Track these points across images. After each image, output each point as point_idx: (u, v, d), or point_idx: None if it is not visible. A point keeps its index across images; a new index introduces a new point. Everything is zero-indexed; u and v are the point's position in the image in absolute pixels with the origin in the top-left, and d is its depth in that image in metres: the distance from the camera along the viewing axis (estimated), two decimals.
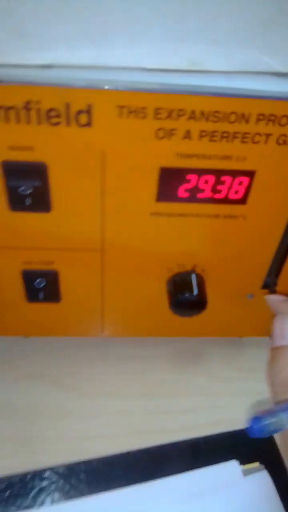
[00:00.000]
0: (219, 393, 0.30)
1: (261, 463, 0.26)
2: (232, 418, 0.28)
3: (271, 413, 0.21)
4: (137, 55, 0.18)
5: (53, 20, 0.18)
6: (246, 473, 0.25)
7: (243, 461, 0.26)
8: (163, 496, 0.24)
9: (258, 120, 0.20)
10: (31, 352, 0.31)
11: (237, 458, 0.26)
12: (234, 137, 0.20)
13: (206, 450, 0.26)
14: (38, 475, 0.24)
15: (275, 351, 0.24)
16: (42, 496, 0.23)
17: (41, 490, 0.24)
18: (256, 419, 0.20)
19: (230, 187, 0.22)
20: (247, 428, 0.20)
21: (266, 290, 0.29)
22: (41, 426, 0.27)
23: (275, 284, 0.28)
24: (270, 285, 0.28)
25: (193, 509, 0.23)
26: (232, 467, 0.25)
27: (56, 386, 0.30)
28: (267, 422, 0.20)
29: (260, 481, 0.25)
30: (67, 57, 0.18)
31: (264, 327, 0.31)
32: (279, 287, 0.28)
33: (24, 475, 0.24)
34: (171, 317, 0.29)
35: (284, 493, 0.25)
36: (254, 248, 0.26)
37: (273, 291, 0.28)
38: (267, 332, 0.31)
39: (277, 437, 0.27)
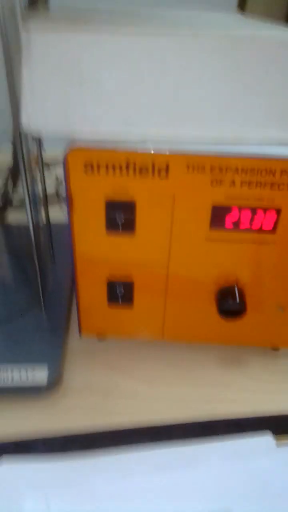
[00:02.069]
0: (256, 390, 0.37)
1: None
2: (267, 408, 0.35)
3: None
4: (201, 133, 0.28)
5: (147, 111, 0.29)
6: (278, 445, 0.32)
7: (276, 436, 0.32)
8: (210, 452, 0.31)
9: (281, 173, 0.29)
10: (108, 349, 0.40)
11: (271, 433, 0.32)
12: (265, 185, 0.29)
13: (246, 426, 0.33)
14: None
15: None
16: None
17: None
18: None
19: (263, 221, 0.31)
20: None
21: None
22: (114, 402, 0.35)
23: None
24: None
25: (231, 466, 0.30)
26: (266, 439, 0.32)
27: (126, 376, 0.38)
28: None
29: None
30: (155, 134, 0.29)
31: None
32: None
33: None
34: (218, 325, 0.37)
35: None
36: (283, 268, 0.34)
37: None
38: None
39: None
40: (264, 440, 0.32)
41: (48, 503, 0.28)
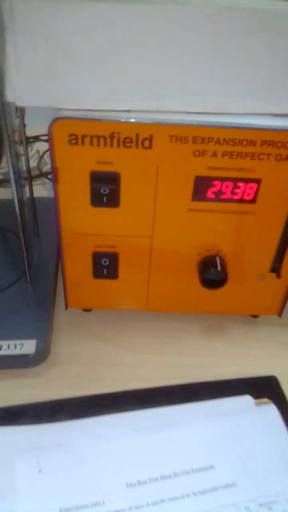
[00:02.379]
0: (238, 355, 0.39)
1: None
2: (247, 372, 0.37)
3: None
4: (183, 103, 0.29)
5: (132, 81, 0.29)
6: (257, 404, 0.33)
7: (255, 398, 0.34)
8: (194, 413, 0.32)
9: (261, 144, 0.30)
10: (95, 320, 0.41)
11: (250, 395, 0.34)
12: (246, 156, 0.30)
13: (227, 388, 0.34)
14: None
15: None
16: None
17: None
18: None
19: (243, 191, 0.32)
20: None
21: (273, 274, 0.38)
22: (100, 370, 0.37)
23: (280, 268, 0.37)
24: (276, 269, 0.37)
25: (213, 425, 0.32)
26: (246, 399, 0.34)
27: (112, 345, 0.39)
28: None
29: (268, 412, 0.33)
30: (139, 105, 0.29)
31: (273, 307, 0.40)
32: (283, 271, 0.37)
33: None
34: (201, 295, 0.38)
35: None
36: (263, 238, 0.35)
37: (279, 274, 0.37)
38: (276, 311, 0.40)
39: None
40: (244, 401, 0.34)
41: (39, 463, 0.29)
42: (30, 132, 0.42)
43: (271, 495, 0.28)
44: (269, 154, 0.30)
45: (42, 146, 0.66)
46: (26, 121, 0.40)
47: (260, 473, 0.29)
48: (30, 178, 0.44)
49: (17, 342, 0.35)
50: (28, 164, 0.43)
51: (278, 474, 0.29)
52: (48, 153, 0.66)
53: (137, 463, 0.29)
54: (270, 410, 0.33)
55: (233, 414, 0.33)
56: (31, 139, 0.65)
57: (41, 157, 0.64)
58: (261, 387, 0.35)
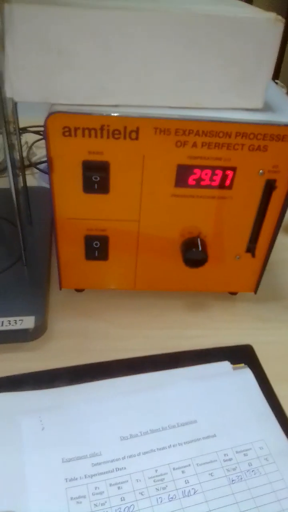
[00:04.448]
0: (218, 327, 0.43)
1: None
2: (226, 342, 0.41)
3: None
4: (165, 99, 0.32)
5: (118, 79, 0.32)
6: (235, 369, 0.38)
7: (232, 363, 0.38)
8: (178, 377, 0.36)
9: (236, 136, 0.33)
10: (87, 299, 0.44)
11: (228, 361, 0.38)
12: (222, 146, 0.34)
13: (208, 356, 0.38)
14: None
15: None
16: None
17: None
18: None
19: (221, 178, 0.36)
20: None
21: (249, 254, 0.41)
22: (93, 343, 0.40)
23: (255, 248, 0.41)
24: (251, 249, 0.41)
25: (195, 387, 0.36)
26: (224, 365, 0.38)
27: (104, 321, 0.42)
28: None
29: (244, 375, 0.37)
30: (125, 101, 0.32)
31: (249, 284, 0.44)
32: (258, 251, 0.41)
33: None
34: (184, 274, 0.42)
35: (261, 385, 0.37)
36: (239, 220, 0.39)
37: (253, 254, 0.41)
38: (252, 288, 0.44)
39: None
40: (223, 366, 0.38)
41: (42, 422, 0.32)
42: (19, 123, 0.45)
43: (246, 444, 0.32)
44: (243, 145, 0.34)
45: (31, 138, 0.68)
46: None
47: (237, 426, 0.33)
48: (23, 167, 0.47)
49: (17, 318, 0.38)
50: (22, 155, 0.46)
51: (252, 426, 0.33)
52: (36, 144, 0.69)
53: (129, 419, 0.33)
54: (246, 373, 0.37)
55: (213, 377, 0.37)
56: (20, 131, 0.68)
57: (30, 148, 0.67)
58: (239, 355, 0.39)
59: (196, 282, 0.43)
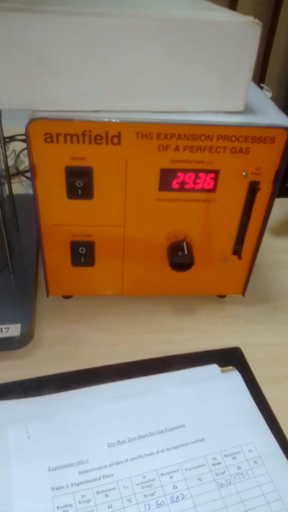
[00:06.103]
0: (206, 330, 0.43)
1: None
2: (215, 345, 0.41)
3: None
4: (146, 103, 0.33)
5: (99, 85, 0.32)
6: (223, 371, 0.37)
7: (221, 366, 0.38)
8: (166, 381, 0.36)
9: (218, 139, 0.33)
10: (75, 306, 0.44)
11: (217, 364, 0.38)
12: (205, 149, 0.34)
13: (196, 359, 0.38)
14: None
15: None
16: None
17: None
18: None
19: (204, 181, 0.36)
20: None
21: (235, 256, 0.41)
22: (81, 350, 0.40)
23: (241, 250, 0.41)
24: (237, 251, 0.41)
25: (184, 390, 0.35)
26: (213, 368, 0.37)
27: (92, 327, 0.42)
28: None
29: (232, 377, 0.37)
30: (107, 106, 0.32)
31: (237, 287, 0.44)
32: (244, 253, 0.41)
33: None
34: (171, 278, 0.42)
35: (249, 388, 0.37)
36: (224, 223, 0.39)
37: (240, 256, 0.41)
38: (240, 290, 0.44)
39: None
40: (211, 369, 0.37)
41: (28, 431, 0.32)
42: (6, 132, 0.45)
43: (235, 447, 0.32)
44: (225, 147, 0.34)
45: (18, 146, 0.68)
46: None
47: (225, 429, 0.33)
48: (9, 175, 0.47)
49: (3, 326, 0.38)
50: (7, 163, 0.46)
51: (240, 429, 0.33)
52: (24, 152, 0.69)
53: (117, 426, 0.33)
54: (234, 376, 0.37)
55: (201, 380, 0.36)
56: (7, 139, 0.68)
57: (17, 156, 0.67)
58: (227, 358, 0.39)
59: (183, 286, 0.43)
